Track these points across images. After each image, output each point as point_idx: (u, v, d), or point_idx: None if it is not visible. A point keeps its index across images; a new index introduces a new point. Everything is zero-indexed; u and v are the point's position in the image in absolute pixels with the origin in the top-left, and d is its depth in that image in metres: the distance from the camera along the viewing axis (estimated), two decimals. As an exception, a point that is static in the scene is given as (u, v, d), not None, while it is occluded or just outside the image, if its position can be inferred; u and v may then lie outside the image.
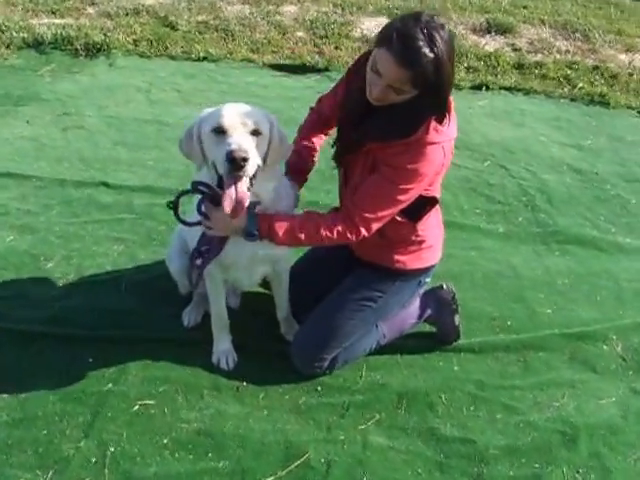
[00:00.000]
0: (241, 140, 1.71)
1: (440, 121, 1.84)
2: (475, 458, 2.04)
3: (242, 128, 1.75)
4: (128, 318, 2.49)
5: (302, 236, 1.93)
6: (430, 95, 1.76)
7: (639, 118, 4.57)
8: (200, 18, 5.63)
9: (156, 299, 2.58)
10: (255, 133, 1.78)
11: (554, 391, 2.28)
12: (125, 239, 2.93)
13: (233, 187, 1.74)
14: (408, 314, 2.38)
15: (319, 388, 2.29)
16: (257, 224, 1.89)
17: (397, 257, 2.17)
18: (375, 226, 1.96)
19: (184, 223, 1.97)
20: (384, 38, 1.72)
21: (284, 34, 5.44)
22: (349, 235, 1.95)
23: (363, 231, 1.95)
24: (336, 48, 5.19)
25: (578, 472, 2.00)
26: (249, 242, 1.93)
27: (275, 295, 2.38)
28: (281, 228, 1.91)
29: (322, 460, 2.03)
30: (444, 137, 1.86)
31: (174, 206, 1.91)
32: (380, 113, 1.88)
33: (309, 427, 2.14)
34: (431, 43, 1.65)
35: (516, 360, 2.42)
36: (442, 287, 2.44)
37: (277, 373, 2.31)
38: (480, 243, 3.07)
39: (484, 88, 4.78)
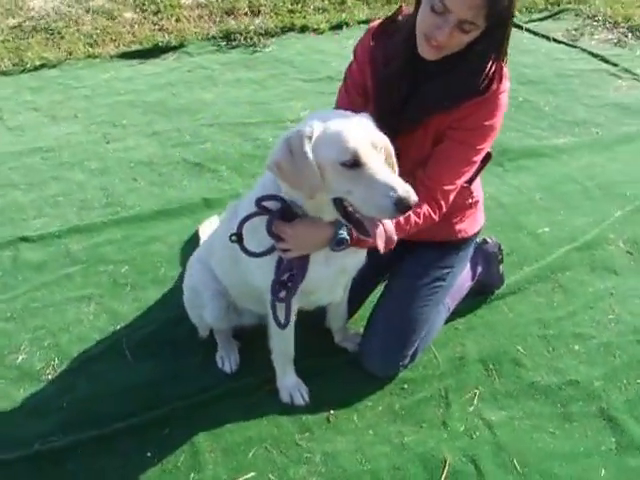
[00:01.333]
0: (396, 179, 1.52)
1: (504, 59, 1.83)
2: (588, 396, 2.22)
3: (378, 156, 1.55)
4: (155, 389, 2.18)
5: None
6: (499, 28, 1.73)
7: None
8: (11, 22, 5.16)
9: (172, 355, 2.33)
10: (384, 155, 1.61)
11: (601, 304, 2.58)
12: (90, 296, 2.61)
13: (380, 225, 1.61)
14: (464, 279, 2.42)
15: (405, 386, 2.24)
16: (348, 229, 1.73)
17: (458, 227, 2.18)
18: (452, 197, 1.95)
19: (255, 255, 1.80)
20: None
21: (114, 19, 5.17)
22: (434, 215, 1.91)
23: (444, 206, 1.93)
24: (177, 21, 5.07)
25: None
26: (335, 253, 1.79)
27: (333, 306, 2.24)
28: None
29: (464, 460, 2.01)
30: (508, 79, 1.86)
31: (239, 237, 1.79)
32: (437, 76, 1.81)
33: (425, 430, 2.10)
34: None
35: (552, 287, 2.66)
36: (487, 241, 2.52)
37: (353, 387, 2.22)
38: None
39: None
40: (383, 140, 1.60)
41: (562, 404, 2.19)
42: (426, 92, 1.84)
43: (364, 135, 1.54)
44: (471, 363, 2.32)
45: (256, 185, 1.91)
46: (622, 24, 5.06)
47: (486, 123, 1.84)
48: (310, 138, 1.54)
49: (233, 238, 1.79)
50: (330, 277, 1.92)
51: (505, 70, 1.84)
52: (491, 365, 2.32)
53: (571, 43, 4.81)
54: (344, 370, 2.27)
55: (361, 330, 2.35)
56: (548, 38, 4.88)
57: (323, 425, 2.10)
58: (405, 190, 1.46)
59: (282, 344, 2.10)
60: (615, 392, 2.22)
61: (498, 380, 2.27)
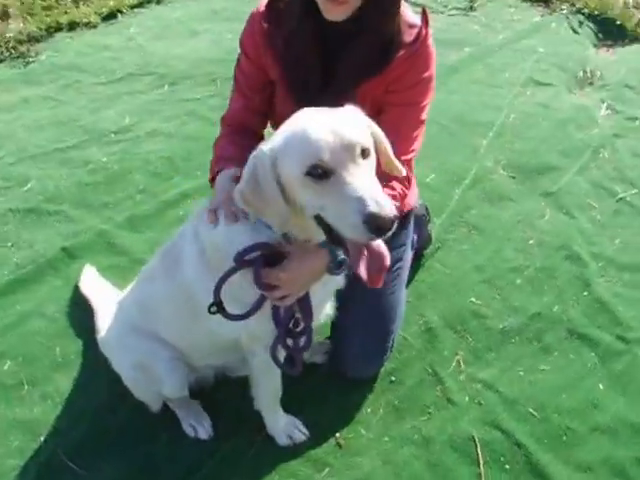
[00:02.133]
0: (368, 189, 1.26)
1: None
2: (553, 323, 2.39)
3: (351, 161, 1.29)
4: None
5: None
6: None
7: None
8: None
9: (130, 447, 2.00)
10: (364, 155, 1.34)
11: (516, 234, 2.78)
12: None
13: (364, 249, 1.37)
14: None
15: (393, 378, 2.22)
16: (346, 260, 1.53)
17: (406, 200, 2.13)
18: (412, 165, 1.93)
19: (242, 317, 1.58)
20: None
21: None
22: (407, 190, 1.87)
23: (411, 176, 1.91)
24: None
25: None
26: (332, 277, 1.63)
27: None
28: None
29: (487, 428, 2.06)
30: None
31: (219, 306, 1.56)
32: (355, 39, 1.71)
33: (435, 415, 2.10)
34: None
35: (468, 231, 2.80)
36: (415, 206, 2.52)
37: (343, 401, 2.15)
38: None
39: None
40: (361, 138, 1.33)
41: (536, 339, 2.33)
42: (348, 59, 1.72)
43: (331, 136, 1.29)
44: (440, 331, 2.35)
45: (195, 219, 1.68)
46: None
47: (424, 75, 1.80)
48: (271, 156, 1.34)
49: (213, 309, 1.55)
50: (328, 296, 1.78)
51: (427, 11, 1.80)
52: (458, 326, 2.37)
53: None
54: (325, 386, 2.15)
55: (322, 339, 2.23)
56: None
57: (337, 453, 1.99)
58: (376, 202, 1.23)
59: (271, 386, 1.91)
60: (572, 309, 2.44)
61: (471, 338, 2.33)
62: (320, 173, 1.28)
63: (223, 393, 2.09)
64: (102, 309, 2.24)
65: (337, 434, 2.03)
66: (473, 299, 2.48)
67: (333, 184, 1.27)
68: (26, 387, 2.15)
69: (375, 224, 1.22)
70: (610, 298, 2.47)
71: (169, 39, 4.24)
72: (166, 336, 1.85)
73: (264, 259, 1.51)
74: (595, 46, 4.31)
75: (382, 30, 1.70)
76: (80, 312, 2.34)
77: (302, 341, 1.65)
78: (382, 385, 2.18)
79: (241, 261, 1.49)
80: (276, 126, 1.90)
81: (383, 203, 1.23)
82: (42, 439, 2.00)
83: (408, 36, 1.74)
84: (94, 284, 2.39)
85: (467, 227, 2.81)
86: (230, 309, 1.56)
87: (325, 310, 1.83)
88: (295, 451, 1.98)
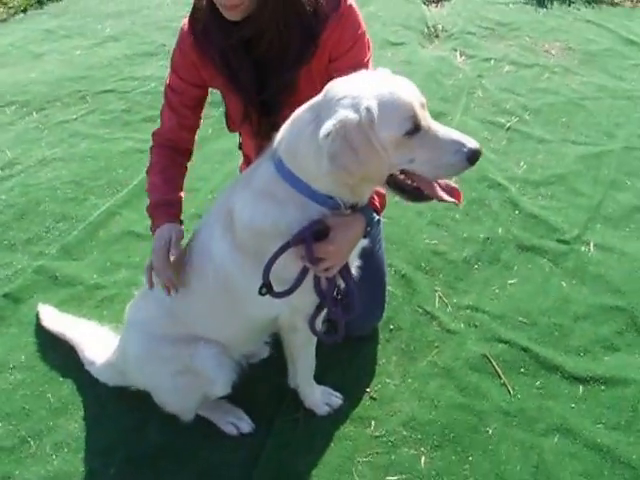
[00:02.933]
0: (455, 133, 1.48)
1: None
2: (493, 228, 2.69)
3: (426, 112, 1.49)
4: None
5: None
6: None
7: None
8: None
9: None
10: None
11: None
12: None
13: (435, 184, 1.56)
14: None
15: (391, 327, 2.36)
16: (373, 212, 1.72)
17: None
18: None
19: (288, 292, 1.64)
20: None
21: None
22: None
23: None
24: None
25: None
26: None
27: None
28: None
29: (493, 344, 2.29)
30: None
31: (269, 287, 1.62)
32: (274, 38, 1.76)
33: (448, 353, 2.26)
34: None
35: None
36: None
37: (357, 359, 2.26)
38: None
39: None
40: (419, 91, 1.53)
41: (495, 260, 2.62)
42: (276, 53, 1.78)
43: (413, 95, 1.45)
44: (412, 275, 2.54)
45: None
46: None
47: (358, 32, 1.87)
48: (370, 122, 1.39)
49: (264, 290, 1.60)
50: (355, 257, 1.84)
51: None
52: (425, 267, 2.58)
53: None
54: (334, 351, 2.15)
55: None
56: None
57: (375, 406, 2.10)
58: (470, 140, 1.45)
59: (309, 359, 1.99)
60: (513, 228, 2.75)
61: (441, 274, 2.55)
62: (413, 129, 1.42)
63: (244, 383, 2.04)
64: (84, 340, 2.14)
65: (367, 390, 2.13)
66: (427, 240, 2.69)
67: (423, 137, 1.44)
68: (32, 443, 1.98)
69: (475, 157, 1.44)
70: (539, 211, 2.83)
71: (12, 66, 4.04)
72: (205, 334, 1.82)
73: (317, 236, 1.58)
74: (425, 3, 4.77)
75: (293, 18, 1.74)
76: (55, 352, 2.21)
77: (348, 306, 1.75)
78: (385, 336, 2.32)
79: (295, 239, 1.55)
80: (232, 125, 2.04)
81: (470, 138, 1.45)
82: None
83: (329, 4, 1.80)
84: (60, 319, 2.26)
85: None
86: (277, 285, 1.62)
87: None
88: (337, 417, 2.05)
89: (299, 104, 1.59)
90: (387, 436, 2.01)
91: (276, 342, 2.02)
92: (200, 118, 2.02)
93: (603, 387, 2.14)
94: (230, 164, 3.00)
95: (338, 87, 1.46)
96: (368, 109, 1.38)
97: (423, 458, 1.95)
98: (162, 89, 1.96)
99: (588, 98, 3.62)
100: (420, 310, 2.40)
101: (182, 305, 1.79)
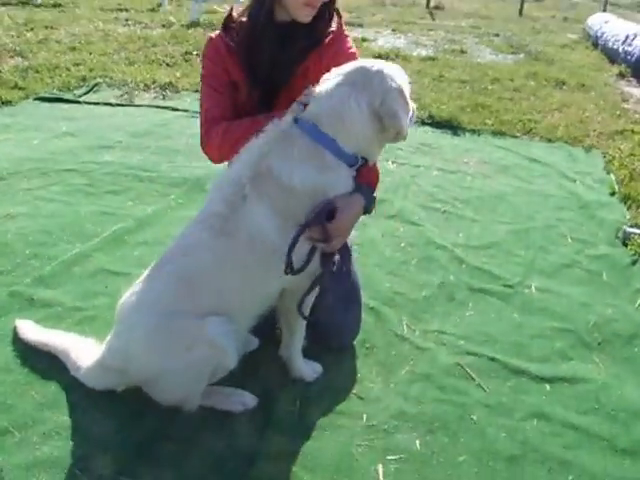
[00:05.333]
0: None
1: None
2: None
3: None
4: None
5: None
6: None
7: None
8: None
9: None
10: None
11: (387, 240, 3.33)
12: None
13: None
14: None
15: (367, 345, 2.51)
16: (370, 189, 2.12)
17: None
18: None
19: (304, 267, 1.89)
20: None
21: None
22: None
23: None
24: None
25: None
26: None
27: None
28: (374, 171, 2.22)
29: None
30: None
31: (292, 266, 1.86)
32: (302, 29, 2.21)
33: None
34: None
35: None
36: None
37: (338, 369, 2.36)
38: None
39: None
40: None
41: (450, 299, 2.85)
42: (298, 38, 2.17)
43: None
44: (379, 308, 2.71)
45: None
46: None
47: (352, 50, 2.30)
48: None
49: (288, 270, 1.84)
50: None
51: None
52: (390, 303, 2.77)
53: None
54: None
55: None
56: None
57: (363, 403, 2.19)
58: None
59: (303, 329, 2.19)
60: (462, 276, 3.03)
61: (405, 309, 2.74)
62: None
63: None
64: (67, 346, 2.15)
65: (353, 392, 2.23)
66: (388, 285, 2.91)
67: None
68: (17, 433, 1.90)
69: None
70: (482, 265, 3.15)
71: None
72: (216, 306, 1.89)
73: (328, 216, 1.86)
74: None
75: (322, 29, 2.22)
76: (36, 357, 2.20)
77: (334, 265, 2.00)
78: (362, 352, 2.45)
79: (312, 220, 1.81)
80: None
81: None
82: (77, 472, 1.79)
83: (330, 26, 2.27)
84: (40, 331, 2.25)
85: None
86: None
87: None
88: (329, 411, 2.13)
89: (291, 99, 2.00)
90: (380, 425, 2.10)
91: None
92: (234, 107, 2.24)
93: (567, 384, 2.36)
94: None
95: (367, 68, 1.89)
96: (402, 81, 1.90)
97: (417, 441, 2.04)
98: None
99: (508, 194, 4.13)
100: (391, 333, 2.56)
101: (197, 275, 1.88)
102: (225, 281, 1.90)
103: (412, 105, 1.95)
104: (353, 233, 2.08)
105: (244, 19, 2.21)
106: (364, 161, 1.94)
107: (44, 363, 2.18)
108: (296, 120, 1.89)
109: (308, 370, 2.26)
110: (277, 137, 1.89)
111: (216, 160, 2.21)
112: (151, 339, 1.87)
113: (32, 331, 2.26)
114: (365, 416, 2.11)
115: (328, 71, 2.03)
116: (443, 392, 2.25)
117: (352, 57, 2.24)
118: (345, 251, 2.01)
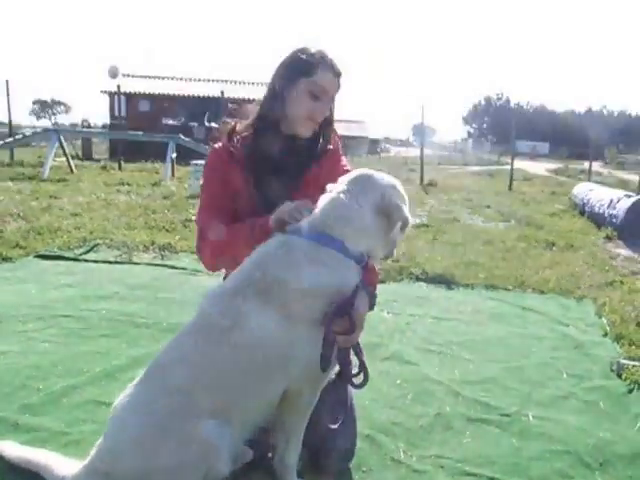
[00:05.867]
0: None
1: None
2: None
3: None
4: None
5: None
6: None
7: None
8: None
9: None
10: None
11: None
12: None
13: None
14: None
15: (364, 469, 2.52)
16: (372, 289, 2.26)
17: None
18: None
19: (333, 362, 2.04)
20: (309, 64, 2.40)
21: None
22: None
23: None
24: None
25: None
26: None
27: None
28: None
29: None
30: None
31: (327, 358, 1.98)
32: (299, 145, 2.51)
33: None
34: None
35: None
36: None
37: None
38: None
39: None
40: None
41: (448, 427, 2.86)
42: (298, 152, 2.45)
43: None
44: (375, 436, 2.72)
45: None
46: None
47: (346, 168, 2.52)
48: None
49: (324, 364, 1.95)
50: None
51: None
52: (383, 430, 2.77)
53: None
54: None
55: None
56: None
57: None
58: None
59: (304, 425, 2.18)
60: (458, 407, 3.05)
61: (402, 437, 2.74)
62: None
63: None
64: (51, 460, 2.16)
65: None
66: (384, 417, 2.93)
67: None
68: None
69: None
70: (479, 398, 3.17)
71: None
72: (213, 410, 1.90)
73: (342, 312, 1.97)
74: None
75: (322, 145, 2.51)
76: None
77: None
78: (358, 474, 2.44)
79: (339, 310, 1.93)
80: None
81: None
82: None
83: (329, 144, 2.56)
84: (21, 448, 2.27)
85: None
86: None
87: None
88: None
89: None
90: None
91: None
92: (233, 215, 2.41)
93: None
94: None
95: (372, 175, 2.13)
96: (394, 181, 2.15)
97: None
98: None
99: (502, 338, 4.22)
100: (387, 457, 2.56)
101: (200, 379, 1.93)
102: (223, 389, 1.94)
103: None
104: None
105: (246, 133, 2.45)
106: (369, 259, 2.11)
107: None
108: (298, 230, 2.05)
109: None
110: (277, 246, 2.03)
111: (211, 267, 2.38)
112: (141, 437, 1.88)
113: (13, 448, 2.26)
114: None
115: (324, 186, 2.21)
116: (442, 509, 2.22)
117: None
118: (357, 346, 2.11)
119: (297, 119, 2.40)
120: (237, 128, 2.52)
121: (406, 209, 2.09)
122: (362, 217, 2.03)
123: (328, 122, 2.51)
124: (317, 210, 2.08)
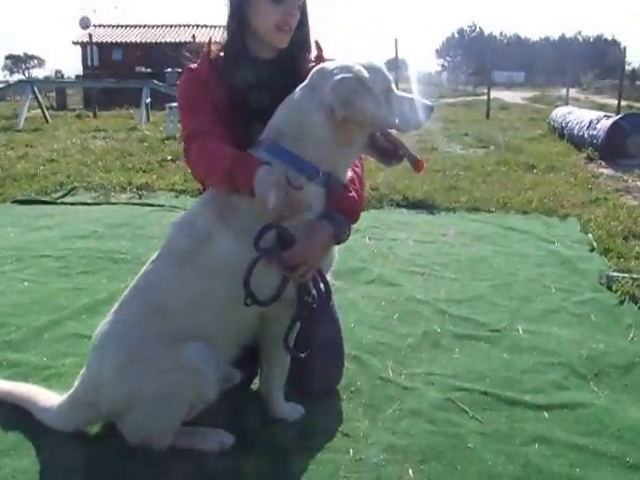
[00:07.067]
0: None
1: None
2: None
3: None
4: None
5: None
6: None
7: None
8: None
9: None
10: None
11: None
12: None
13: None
14: None
15: (352, 389, 2.41)
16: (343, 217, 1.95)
17: None
18: None
19: (273, 300, 1.83)
20: None
21: None
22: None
23: None
24: None
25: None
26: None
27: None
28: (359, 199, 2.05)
29: None
30: None
31: (253, 296, 1.79)
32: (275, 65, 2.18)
33: None
34: None
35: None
36: None
37: (323, 411, 2.26)
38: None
39: None
40: None
41: (435, 344, 2.76)
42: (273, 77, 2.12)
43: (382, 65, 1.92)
44: (362, 356, 2.62)
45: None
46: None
47: None
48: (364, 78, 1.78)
49: (249, 301, 1.77)
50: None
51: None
52: (370, 350, 2.68)
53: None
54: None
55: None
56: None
57: (351, 440, 2.09)
58: (426, 100, 1.93)
59: (285, 362, 2.10)
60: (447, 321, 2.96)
61: (390, 356, 2.65)
62: (391, 88, 1.88)
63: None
64: (33, 392, 2.09)
65: (339, 429, 2.12)
66: (370, 337, 2.83)
67: (396, 95, 1.87)
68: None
69: (432, 111, 1.90)
70: (466, 315, 3.10)
71: None
72: (192, 332, 1.83)
73: (280, 245, 1.79)
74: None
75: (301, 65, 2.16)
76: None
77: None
78: (346, 395, 2.34)
79: (261, 250, 1.74)
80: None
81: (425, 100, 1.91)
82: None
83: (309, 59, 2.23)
84: (2, 382, 2.17)
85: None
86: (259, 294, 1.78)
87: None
88: (311, 448, 2.02)
89: None
90: (369, 459, 1.98)
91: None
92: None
93: (566, 410, 2.27)
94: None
95: (325, 67, 1.86)
96: (359, 70, 1.78)
97: (410, 470, 1.91)
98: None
99: (487, 257, 4.13)
100: (376, 377, 2.47)
101: (171, 304, 1.85)
102: (198, 311, 1.85)
103: (414, 96, 1.89)
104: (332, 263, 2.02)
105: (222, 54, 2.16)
106: (328, 177, 1.87)
107: (2, 414, 2.08)
108: (259, 143, 1.88)
109: (289, 409, 2.15)
110: None
111: (197, 178, 2.17)
112: (123, 365, 1.80)
113: None
114: (352, 451, 1.99)
115: None
116: (434, 425, 2.14)
117: None
118: (322, 283, 1.93)
119: (266, 32, 2.08)
120: (212, 49, 2.20)
121: (371, 105, 1.77)
122: (311, 119, 1.79)
123: (304, 31, 2.17)
124: (275, 113, 1.89)
